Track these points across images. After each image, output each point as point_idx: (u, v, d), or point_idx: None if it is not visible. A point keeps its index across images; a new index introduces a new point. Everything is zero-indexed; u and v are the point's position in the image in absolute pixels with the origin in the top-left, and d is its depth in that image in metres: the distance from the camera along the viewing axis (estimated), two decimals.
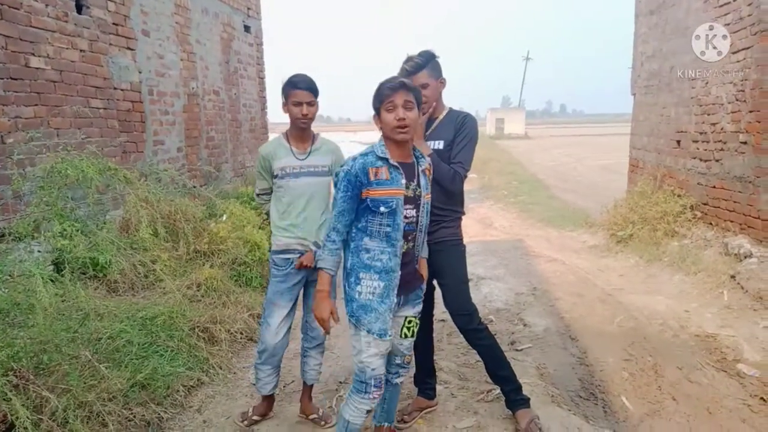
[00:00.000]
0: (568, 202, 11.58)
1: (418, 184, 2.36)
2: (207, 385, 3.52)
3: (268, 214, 3.03)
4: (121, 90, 5.49)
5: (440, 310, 3.13)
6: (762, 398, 3.37)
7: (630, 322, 4.61)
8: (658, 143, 7.95)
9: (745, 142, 5.67)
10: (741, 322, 4.42)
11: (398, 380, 2.61)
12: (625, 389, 3.54)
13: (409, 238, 2.37)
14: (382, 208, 2.24)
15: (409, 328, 2.48)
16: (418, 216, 2.35)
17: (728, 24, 5.96)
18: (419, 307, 2.53)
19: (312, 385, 3.16)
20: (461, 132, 2.74)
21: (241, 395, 3.46)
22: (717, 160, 6.25)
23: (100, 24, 5.15)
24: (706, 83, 6.47)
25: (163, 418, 3.01)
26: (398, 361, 2.56)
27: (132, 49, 5.67)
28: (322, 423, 3.07)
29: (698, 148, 6.69)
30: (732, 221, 5.93)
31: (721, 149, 6.14)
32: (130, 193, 4.54)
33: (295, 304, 2.98)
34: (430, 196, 2.42)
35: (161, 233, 4.51)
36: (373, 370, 2.31)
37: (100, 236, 3.70)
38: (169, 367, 3.33)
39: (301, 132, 2.86)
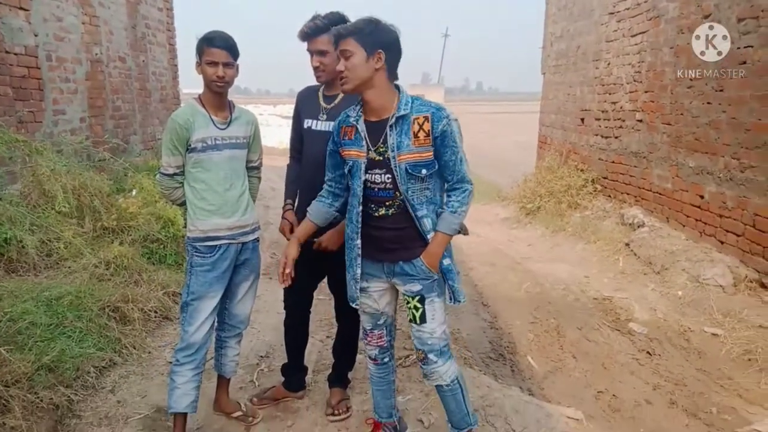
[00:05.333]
0: (482, 177, 11.99)
1: (386, 145, 2.08)
2: (120, 365, 3.40)
3: (183, 204, 2.55)
4: (15, 54, 5.04)
5: None
6: (648, 352, 3.75)
7: (536, 288, 4.93)
8: (565, 121, 8.41)
9: (640, 120, 6.14)
10: (633, 285, 4.85)
11: (427, 382, 2.30)
12: (531, 349, 3.82)
13: (387, 204, 2.12)
14: (346, 169, 2.20)
15: (408, 309, 2.20)
16: (394, 180, 2.09)
17: (628, 8, 6.38)
18: (414, 286, 2.16)
19: (229, 380, 2.86)
20: None
21: (156, 374, 3.38)
22: (616, 137, 6.73)
23: None
24: (608, 64, 6.91)
25: (73, 400, 2.88)
26: (415, 355, 2.32)
27: (26, 10, 5.20)
28: (250, 419, 2.77)
29: (600, 126, 7.16)
30: (628, 194, 6.44)
31: (620, 126, 6.61)
32: (38, 165, 4.20)
33: (224, 293, 2.60)
34: (413, 156, 2.06)
35: (65, 209, 4.24)
36: (362, 321, 2.41)
37: (0, 211, 3.40)
38: (78, 349, 3.17)
39: (217, 98, 2.47)
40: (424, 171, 2.07)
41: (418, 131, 2.05)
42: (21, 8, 5.14)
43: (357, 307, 2.33)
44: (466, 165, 2.13)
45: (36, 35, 5.36)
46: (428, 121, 2.05)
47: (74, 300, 3.52)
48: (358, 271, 2.23)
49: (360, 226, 2.18)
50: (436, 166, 2.10)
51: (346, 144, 2.18)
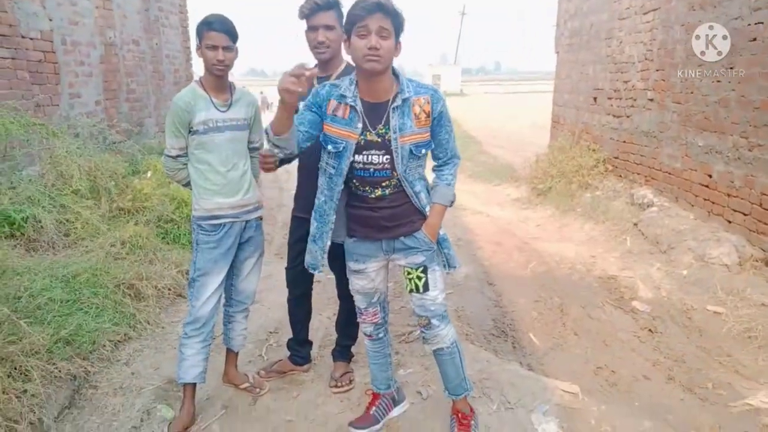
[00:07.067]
0: (497, 157, 11.98)
1: (387, 126, 2.11)
2: (134, 339, 3.54)
3: (188, 184, 2.62)
4: (31, 39, 5.17)
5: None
6: (650, 330, 3.79)
7: (542, 267, 4.98)
8: (578, 100, 8.33)
9: (652, 99, 6.08)
10: (639, 264, 4.87)
11: (427, 347, 2.41)
12: (533, 327, 3.88)
13: (384, 184, 2.17)
14: (329, 147, 2.15)
15: (410, 280, 2.30)
16: (393, 161, 2.13)
17: None
18: (417, 257, 2.27)
19: (237, 353, 2.99)
20: None
21: (169, 348, 3.51)
22: (627, 116, 6.67)
23: None
24: (621, 42, 6.83)
25: (89, 372, 3.03)
26: (416, 321, 2.43)
27: None
28: (257, 390, 2.91)
29: (612, 105, 7.10)
30: (638, 173, 6.41)
31: (632, 106, 6.55)
32: (54, 147, 4.35)
33: (230, 270, 2.70)
34: (415, 137, 2.13)
35: (82, 190, 4.39)
36: (356, 301, 2.48)
37: (19, 190, 3.53)
38: (94, 324, 3.31)
39: (218, 80, 2.51)
40: (423, 150, 2.18)
41: (419, 112, 2.12)
42: None
43: (317, 273, 2.42)
44: (455, 140, 2.29)
45: (51, 20, 5.47)
46: (428, 103, 2.13)
47: (91, 277, 3.67)
48: (328, 243, 2.32)
49: (337, 203, 2.24)
50: (432, 145, 2.23)
51: (336, 121, 2.14)
